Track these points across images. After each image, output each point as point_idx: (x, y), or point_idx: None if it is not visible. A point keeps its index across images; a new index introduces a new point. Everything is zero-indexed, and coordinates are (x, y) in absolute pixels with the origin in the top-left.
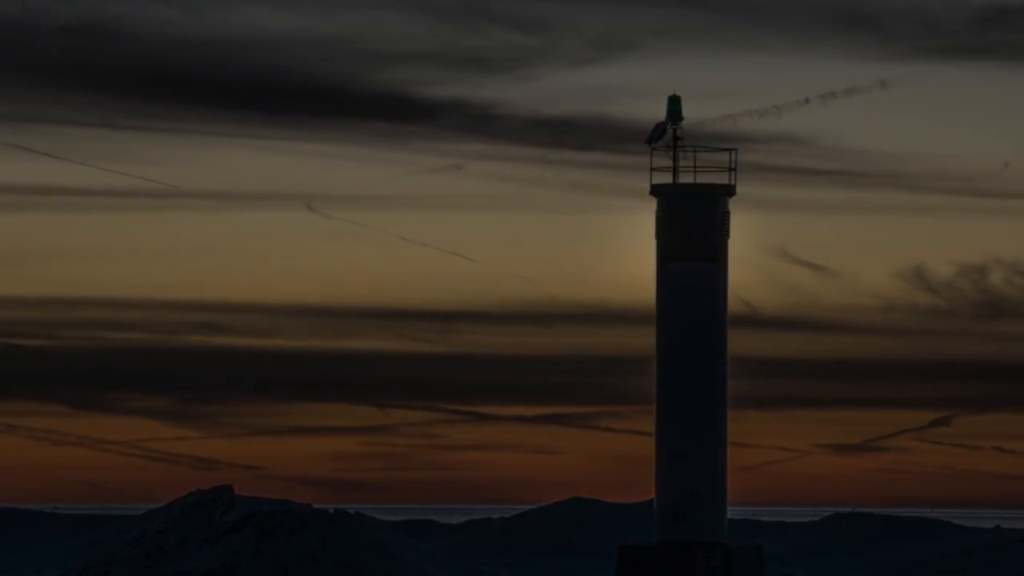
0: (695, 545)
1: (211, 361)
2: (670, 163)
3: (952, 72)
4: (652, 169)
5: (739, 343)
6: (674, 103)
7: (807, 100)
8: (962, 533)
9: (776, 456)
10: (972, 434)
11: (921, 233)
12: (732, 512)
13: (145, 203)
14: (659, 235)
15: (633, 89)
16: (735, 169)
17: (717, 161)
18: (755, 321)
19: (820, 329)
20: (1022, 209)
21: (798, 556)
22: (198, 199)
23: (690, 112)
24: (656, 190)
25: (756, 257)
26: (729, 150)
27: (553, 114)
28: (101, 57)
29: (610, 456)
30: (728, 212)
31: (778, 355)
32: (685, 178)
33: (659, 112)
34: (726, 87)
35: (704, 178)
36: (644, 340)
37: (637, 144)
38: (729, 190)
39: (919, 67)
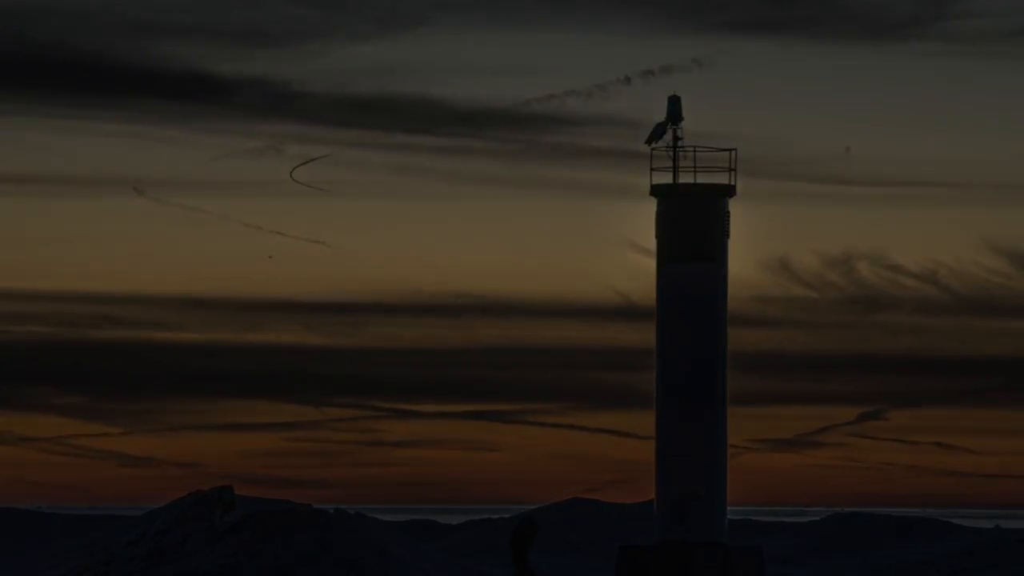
0: (695, 545)
1: (121, 355)
2: (670, 163)
3: (758, 49)
4: (652, 169)
5: (631, 335)
6: (674, 103)
7: (628, 79)
8: (962, 533)
9: None
10: (908, 429)
11: (777, 221)
12: (732, 512)
13: None
14: (659, 235)
15: (431, 67)
16: (735, 169)
17: (712, 160)
18: (635, 313)
19: None
20: (872, 197)
21: (798, 556)
22: (21, 184)
23: (509, 92)
24: (656, 190)
25: (610, 249)
26: (729, 150)
27: (357, 93)
28: None
29: (549, 453)
30: (728, 212)
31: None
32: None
33: (471, 91)
34: (532, 65)
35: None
36: (555, 332)
37: (465, 127)
38: (729, 190)
39: (721, 44)
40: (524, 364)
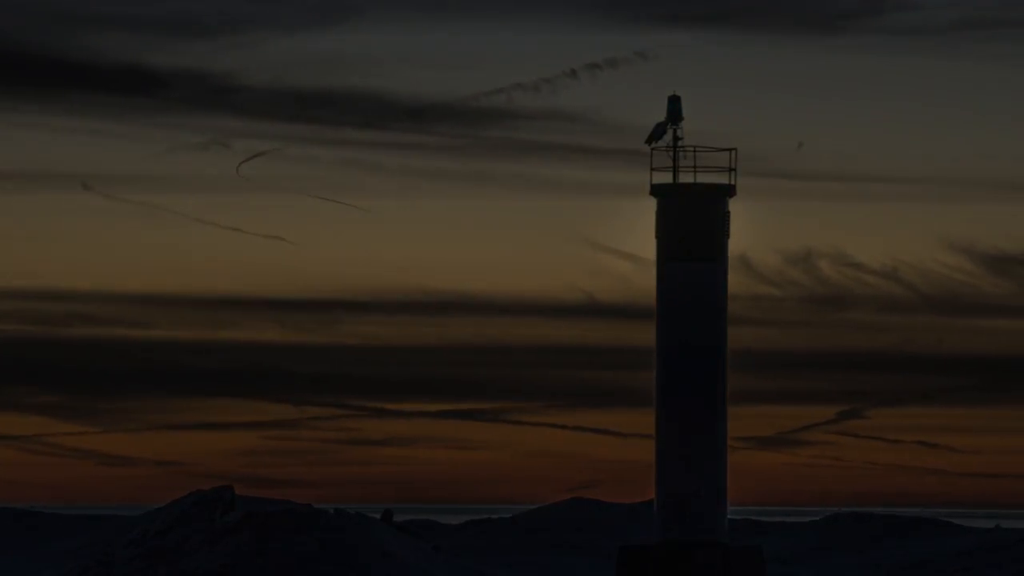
0: (695, 545)
1: (95, 353)
2: (670, 163)
3: (702, 41)
4: (652, 169)
5: (601, 333)
6: (674, 103)
7: (574, 72)
8: (962, 533)
9: None
10: (889, 427)
11: (734, 218)
12: (732, 512)
13: None
14: (659, 235)
15: (371, 59)
16: (735, 169)
17: (713, 160)
18: (600, 311)
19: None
20: (826, 193)
21: (798, 556)
22: None
23: (454, 86)
24: (656, 190)
25: (569, 246)
26: (729, 150)
27: (297, 86)
28: None
29: (530, 452)
30: (728, 212)
31: (647, 345)
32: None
33: (416, 85)
34: (475, 57)
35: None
36: (525, 330)
37: (413, 121)
38: (729, 190)
39: (663, 36)
40: (500, 362)
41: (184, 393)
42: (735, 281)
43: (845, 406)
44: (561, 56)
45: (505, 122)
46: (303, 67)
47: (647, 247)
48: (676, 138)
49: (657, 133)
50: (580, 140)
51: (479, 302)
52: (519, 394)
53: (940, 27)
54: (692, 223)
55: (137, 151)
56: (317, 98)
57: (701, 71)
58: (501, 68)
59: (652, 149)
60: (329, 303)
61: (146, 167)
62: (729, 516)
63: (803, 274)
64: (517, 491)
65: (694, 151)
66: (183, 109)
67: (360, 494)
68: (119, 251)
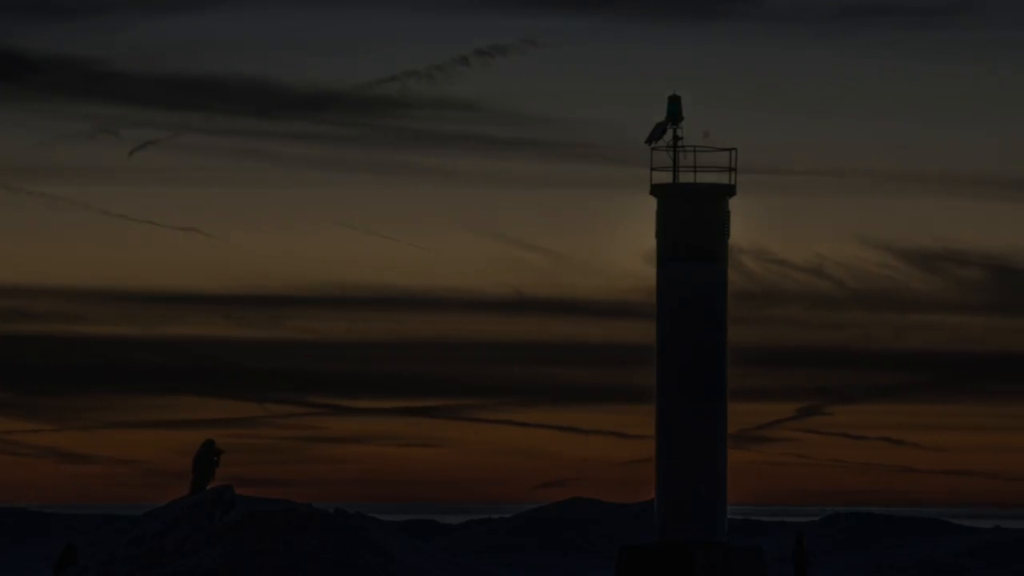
0: (695, 545)
1: (43, 349)
2: (670, 163)
3: (589, 27)
4: (652, 169)
5: (544, 328)
6: (674, 103)
7: (465, 59)
8: (962, 533)
9: None
10: (853, 424)
11: (644, 212)
12: (732, 512)
13: None
14: (659, 235)
15: (254, 44)
16: (735, 169)
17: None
18: (530, 306)
19: (601, 315)
20: (741, 186)
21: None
22: None
23: (344, 73)
24: (656, 190)
25: (481, 239)
26: (729, 150)
27: (175, 72)
28: None
29: (497, 450)
30: (728, 212)
31: (589, 341)
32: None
33: (298, 72)
34: (361, 42)
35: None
36: (465, 326)
37: (307, 110)
38: (729, 190)
39: (550, 22)
40: (451, 359)
41: (136, 390)
42: (649, 274)
43: (803, 403)
44: (450, 41)
45: (399, 111)
46: (179, 52)
47: (560, 240)
48: (676, 138)
49: (657, 133)
50: (477, 129)
51: (400, 296)
52: (478, 392)
53: (823, 12)
54: (692, 223)
55: (25, 140)
56: (202, 85)
57: (590, 58)
58: (390, 54)
59: (652, 149)
60: (269, 298)
61: (40, 157)
62: (729, 516)
63: (729, 270)
64: (480, 490)
65: (694, 151)
66: (61, 96)
67: (323, 493)
68: (37, 246)
